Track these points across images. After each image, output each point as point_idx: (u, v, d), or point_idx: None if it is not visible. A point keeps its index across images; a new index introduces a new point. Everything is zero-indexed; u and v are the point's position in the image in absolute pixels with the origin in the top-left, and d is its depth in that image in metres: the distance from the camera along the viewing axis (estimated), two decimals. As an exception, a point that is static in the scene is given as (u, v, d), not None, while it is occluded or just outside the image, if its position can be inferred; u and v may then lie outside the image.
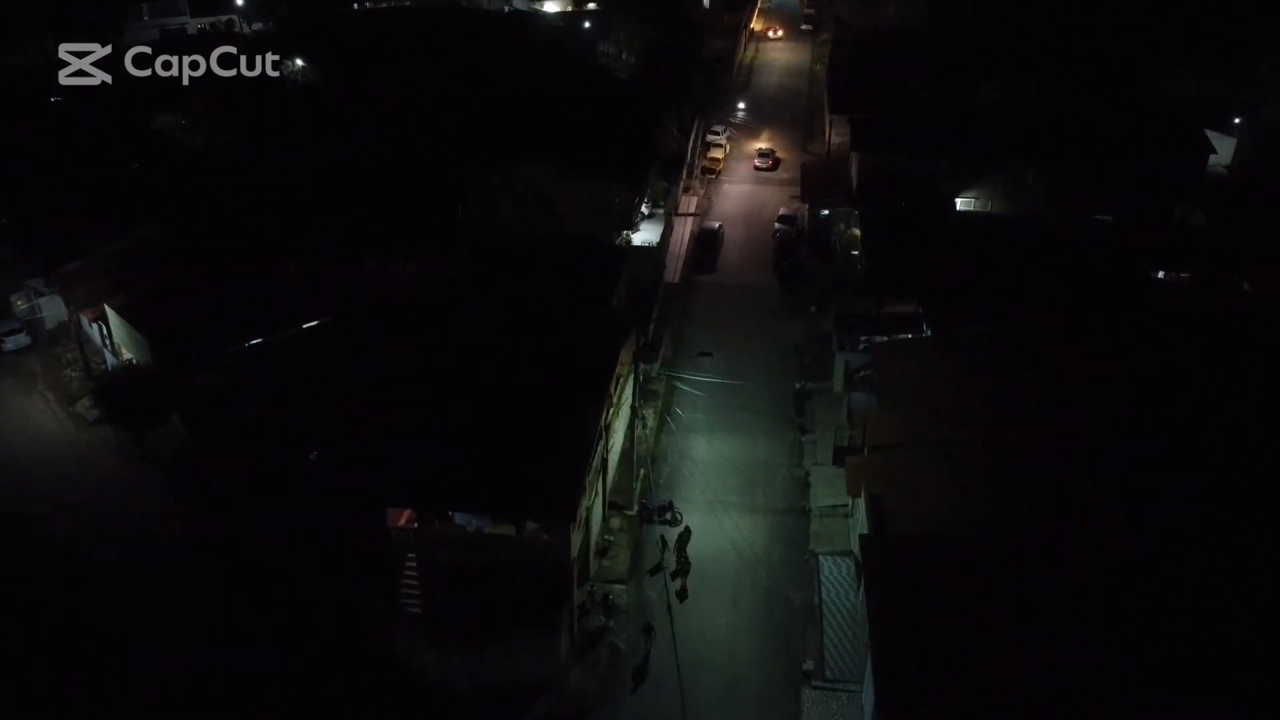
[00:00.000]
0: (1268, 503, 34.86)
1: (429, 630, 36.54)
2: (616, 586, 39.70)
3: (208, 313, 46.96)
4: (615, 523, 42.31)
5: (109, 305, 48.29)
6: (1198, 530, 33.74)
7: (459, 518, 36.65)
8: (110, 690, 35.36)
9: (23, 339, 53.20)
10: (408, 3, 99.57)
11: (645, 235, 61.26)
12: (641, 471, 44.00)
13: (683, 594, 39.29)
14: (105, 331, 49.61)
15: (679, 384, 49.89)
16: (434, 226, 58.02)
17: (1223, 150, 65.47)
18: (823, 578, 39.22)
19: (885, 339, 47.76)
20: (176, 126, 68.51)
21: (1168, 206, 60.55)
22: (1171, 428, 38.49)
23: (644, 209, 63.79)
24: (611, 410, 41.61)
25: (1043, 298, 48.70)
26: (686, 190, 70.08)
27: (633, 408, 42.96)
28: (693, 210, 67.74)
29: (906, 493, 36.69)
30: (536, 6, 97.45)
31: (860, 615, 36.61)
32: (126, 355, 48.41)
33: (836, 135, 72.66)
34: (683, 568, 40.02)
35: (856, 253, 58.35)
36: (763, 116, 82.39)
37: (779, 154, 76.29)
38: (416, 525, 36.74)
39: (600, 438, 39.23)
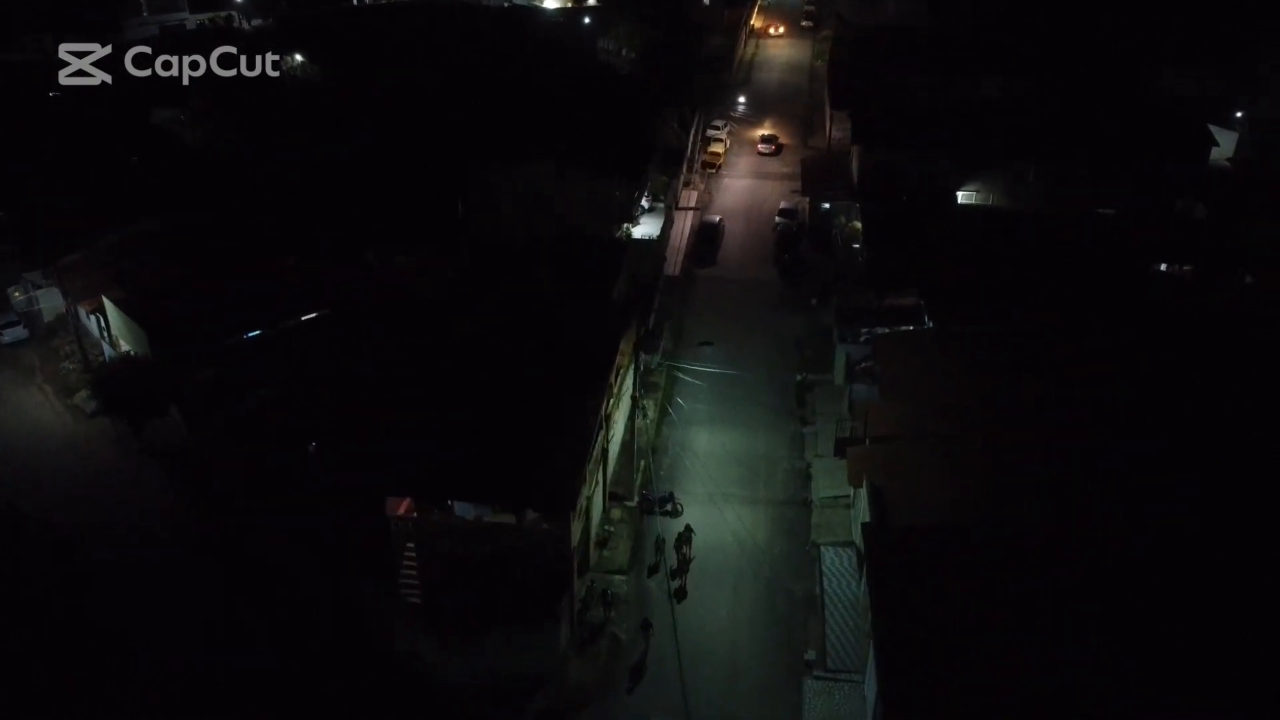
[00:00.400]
0: (1267, 497, 34.80)
1: (428, 621, 36.34)
2: (617, 577, 39.51)
3: (206, 305, 46.70)
4: (616, 514, 42.11)
5: (107, 297, 48.07)
6: (1196, 525, 33.61)
7: (458, 507, 36.47)
8: (110, 690, 35.11)
9: (20, 332, 52.98)
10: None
11: (645, 229, 61.04)
12: (642, 463, 43.81)
13: (681, 594, 39.04)
14: (103, 324, 49.41)
15: (680, 375, 49.72)
16: (434, 224, 57.81)
17: (1225, 144, 65.31)
18: (824, 568, 39.06)
19: (886, 331, 47.64)
20: (175, 122, 68.28)
21: (1169, 201, 60.39)
22: (1171, 423, 38.34)
23: (644, 203, 63.59)
24: (612, 401, 41.42)
25: (1044, 290, 48.55)
26: (687, 184, 69.93)
27: (633, 398, 42.76)
28: (693, 204, 67.54)
29: (908, 483, 36.51)
30: (536, 3, 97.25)
31: (862, 605, 36.45)
32: (125, 347, 48.19)
33: (837, 130, 72.59)
34: (682, 566, 39.75)
35: (857, 246, 58.18)
36: (763, 111, 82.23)
37: (782, 139, 76.75)
38: (416, 514, 36.54)
39: (600, 428, 39.04)
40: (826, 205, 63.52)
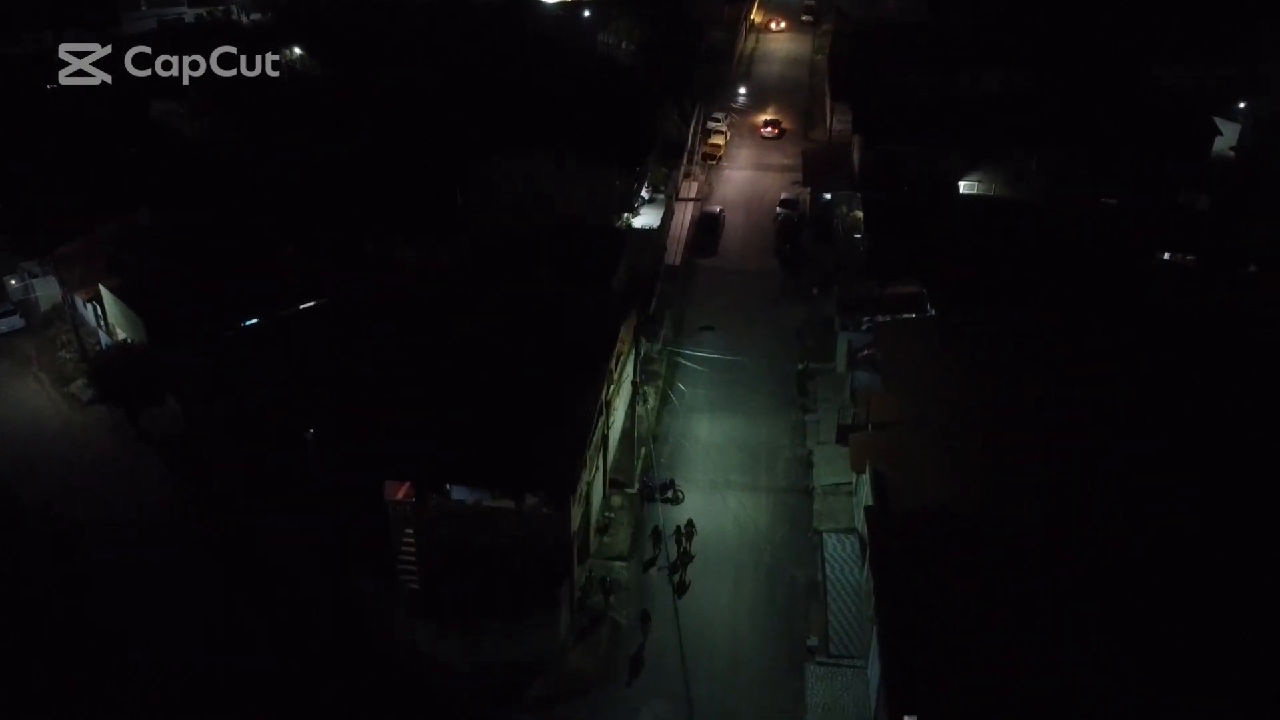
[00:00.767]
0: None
1: (427, 608, 35.95)
2: (617, 564, 39.15)
3: (203, 294, 46.38)
4: (616, 501, 41.76)
5: (104, 285, 47.77)
6: (1194, 518, 33.28)
7: (457, 492, 36.13)
8: (109, 689, 34.76)
9: (16, 321, 52.66)
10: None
11: (646, 219, 60.79)
12: (643, 450, 43.47)
13: (682, 588, 38.62)
14: (100, 312, 49.10)
15: (681, 362, 49.41)
16: (433, 215, 57.49)
17: (1229, 134, 65.08)
18: (826, 555, 38.74)
19: (888, 319, 47.32)
20: (174, 115, 67.96)
21: (1171, 191, 60.11)
22: (1171, 414, 38.04)
23: (644, 194, 63.33)
24: (612, 387, 41.09)
25: (1046, 280, 48.24)
26: (687, 176, 69.66)
27: (634, 384, 42.41)
28: (693, 195, 67.27)
29: (910, 469, 36.19)
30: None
31: (864, 591, 36.14)
32: (121, 336, 47.88)
33: (838, 122, 72.24)
34: (683, 561, 39.34)
35: (858, 235, 57.88)
36: (764, 104, 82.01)
37: (784, 125, 77.30)
38: (414, 500, 36.16)
39: (601, 414, 38.71)
40: (827, 196, 63.20)
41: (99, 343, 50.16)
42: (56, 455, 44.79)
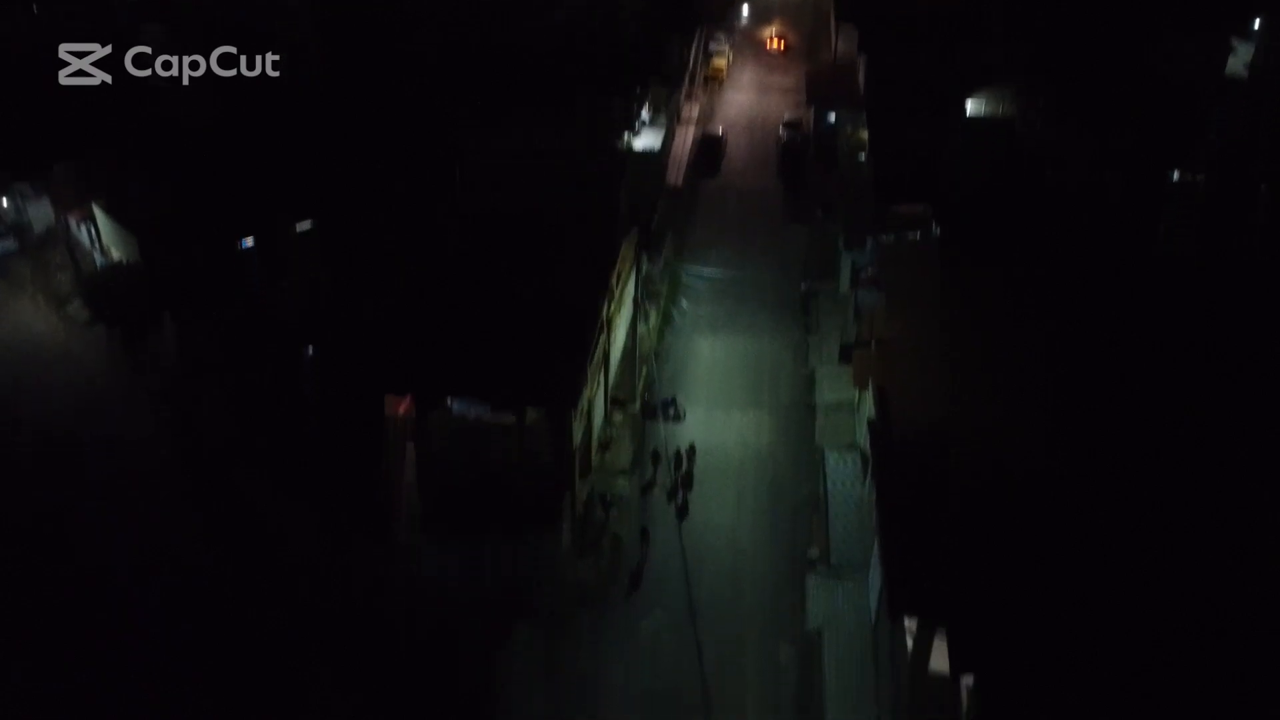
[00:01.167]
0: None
1: (427, 523, 36.05)
2: (619, 479, 39.20)
3: (198, 213, 45.73)
4: (617, 418, 41.70)
5: (97, 205, 47.12)
6: (1201, 434, 33.05)
7: (458, 406, 35.93)
8: (83, 603, 34.73)
9: (10, 244, 51.88)
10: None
11: (646, 141, 59.80)
12: (644, 368, 43.27)
13: (683, 511, 38.68)
14: (94, 233, 48.50)
15: (683, 280, 49.02)
16: (428, 141, 56.27)
17: (1242, 52, 63.62)
18: (828, 470, 38.68)
19: (893, 238, 46.71)
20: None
21: (1183, 110, 58.92)
22: (1177, 334, 37.67)
23: (645, 116, 62.20)
24: (613, 305, 40.71)
25: (1054, 198, 47.59)
26: (689, 98, 68.42)
27: (635, 301, 42.04)
28: (695, 117, 66.15)
29: (913, 385, 35.97)
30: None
31: (865, 506, 36.20)
32: (116, 256, 47.37)
33: (843, 43, 70.48)
34: (683, 483, 39.32)
35: (863, 156, 56.92)
36: (767, 25, 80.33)
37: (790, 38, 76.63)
38: (415, 415, 36.00)
39: (602, 330, 38.40)
40: (832, 117, 62.04)
41: (95, 264, 49.63)
42: (55, 376, 44.45)
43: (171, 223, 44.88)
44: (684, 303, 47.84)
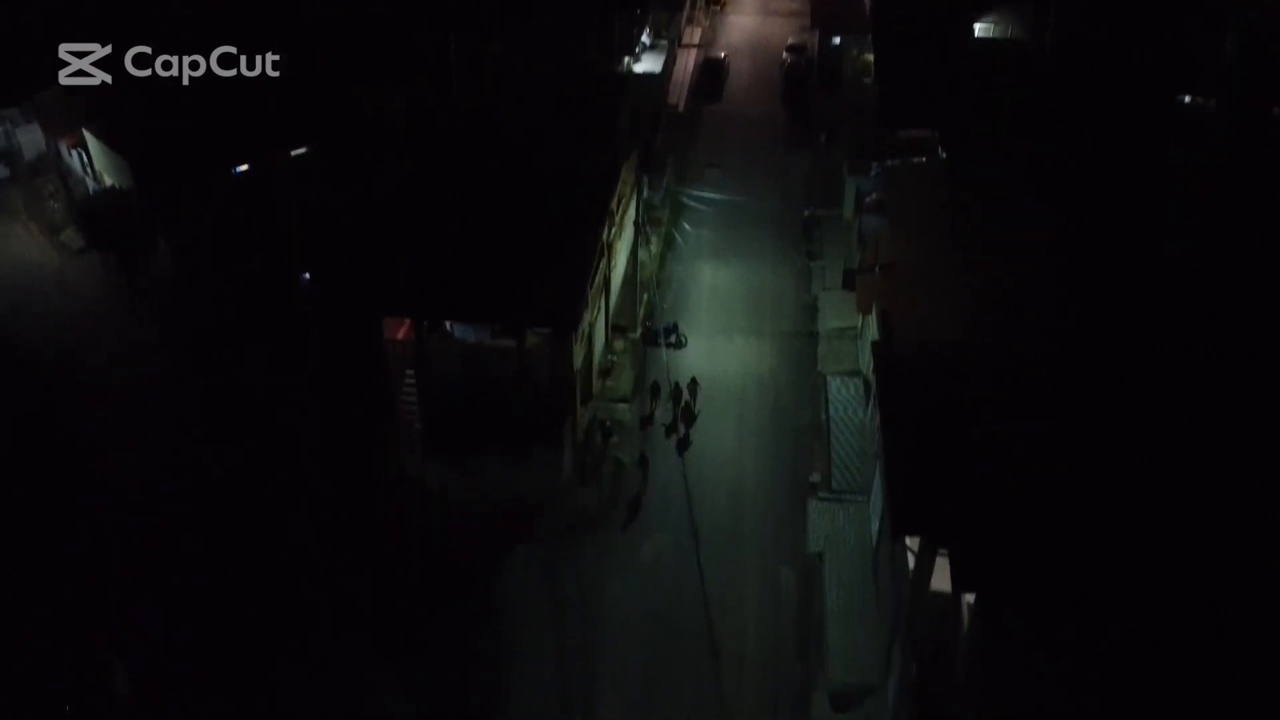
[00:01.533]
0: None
1: (429, 446, 36.02)
2: (620, 405, 39.05)
3: (191, 137, 44.82)
4: (619, 345, 41.41)
5: (87, 130, 46.18)
6: (1205, 356, 32.74)
7: (458, 330, 35.67)
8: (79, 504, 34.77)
9: (1, 170, 51.17)
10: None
11: (647, 65, 58.47)
12: (645, 295, 42.86)
13: (684, 444, 38.53)
14: (86, 158, 47.63)
15: (685, 205, 48.35)
16: (425, 58, 54.97)
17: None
18: (830, 396, 38.50)
19: (897, 163, 45.94)
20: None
21: (1194, 30, 57.52)
22: (1185, 259, 37.10)
23: (645, 39, 60.77)
24: (614, 230, 40.12)
25: (1062, 125, 46.60)
26: (690, 21, 66.85)
27: (636, 225, 41.44)
28: (697, 41, 64.70)
29: (917, 309, 35.60)
30: None
31: (867, 431, 36.10)
32: (109, 181, 46.60)
33: (849, -36, 68.84)
34: (685, 417, 39.08)
35: (869, 80, 55.75)
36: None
37: None
38: (415, 339, 35.75)
39: (602, 254, 37.88)
40: (837, 40, 60.62)
41: (88, 190, 48.87)
42: (50, 304, 44.05)
43: (165, 148, 43.95)
44: (686, 229, 47.13)
